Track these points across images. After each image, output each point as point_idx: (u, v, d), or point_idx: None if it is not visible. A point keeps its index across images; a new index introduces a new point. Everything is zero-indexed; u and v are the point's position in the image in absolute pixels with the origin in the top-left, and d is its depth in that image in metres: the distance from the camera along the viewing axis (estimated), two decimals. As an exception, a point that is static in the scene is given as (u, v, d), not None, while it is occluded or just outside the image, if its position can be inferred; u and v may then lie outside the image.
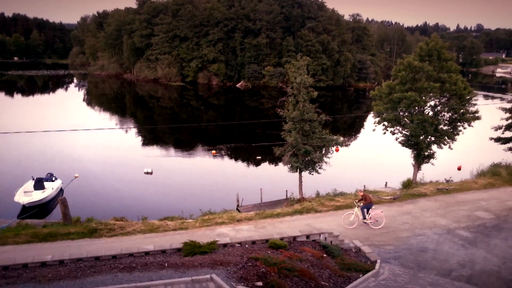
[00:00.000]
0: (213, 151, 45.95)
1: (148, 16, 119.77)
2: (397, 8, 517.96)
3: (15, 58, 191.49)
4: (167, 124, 67.37)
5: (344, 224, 18.78)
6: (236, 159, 45.78)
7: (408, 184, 28.65)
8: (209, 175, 38.45)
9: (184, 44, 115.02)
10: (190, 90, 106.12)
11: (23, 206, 28.24)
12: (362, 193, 19.67)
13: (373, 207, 19.45)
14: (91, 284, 11.12)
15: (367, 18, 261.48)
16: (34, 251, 14.82)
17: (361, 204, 19.20)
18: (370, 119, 40.45)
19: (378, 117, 29.65)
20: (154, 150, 48.72)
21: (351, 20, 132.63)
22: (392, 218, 20.43)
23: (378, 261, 14.87)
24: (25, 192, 29.37)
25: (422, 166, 30.31)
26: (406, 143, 29.54)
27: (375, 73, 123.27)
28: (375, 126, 30.55)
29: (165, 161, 43.22)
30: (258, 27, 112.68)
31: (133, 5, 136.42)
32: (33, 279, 11.60)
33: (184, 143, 53.14)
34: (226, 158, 45.74)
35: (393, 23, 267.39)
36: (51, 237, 16.51)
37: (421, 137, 28.38)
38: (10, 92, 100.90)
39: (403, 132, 29.39)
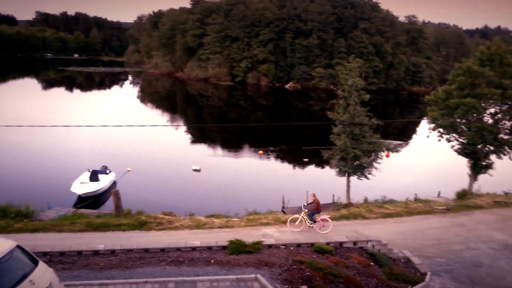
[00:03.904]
0: (260, 151, 46.12)
1: (201, 16, 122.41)
2: (455, 10, 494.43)
3: (75, 55, 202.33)
4: (215, 123, 68.40)
5: (290, 228, 17.91)
6: (282, 160, 45.68)
7: (463, 195, 27.26)
8: (255, 175, 38.60)
9: (235, 44, 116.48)
10: (239, 90, 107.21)
11: (79, 196, 29.61)
12: (314, 198, 18.41)
13: (320, 214, 18.41)
14: (141, 275, 11.48)
15: (423, 20, 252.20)
16: (87, 239, 15.51)
17: (309, 208, 18.23)
18: (424, 125, 38.94)
19: (433, 123, 28.50)
20: (203, 148, 49.64)
21: (406, 21, 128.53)
22: (444, 230, 19.56)
23: (429, 273, 14.32)
24: (81, 183, 30.74)
25: (478, 176, 28.77)
26: (462, 152, 28.15)
27: (430, 77, 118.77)
28: (430, 132, 29.37)
29: (213, 159, 43.88)
30: (309, 28, 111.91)
31: (188, 5, 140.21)
32: (87, 266, 12.15)
33: (232, 142, 53.71)
34: (273, 159, 45.76)
35: (451, 25, 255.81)
36: (103, 227, 17.19)
37: (479, 146, 26.97)
38: (70, 88, 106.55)
39: (460, 140, 28.04)
